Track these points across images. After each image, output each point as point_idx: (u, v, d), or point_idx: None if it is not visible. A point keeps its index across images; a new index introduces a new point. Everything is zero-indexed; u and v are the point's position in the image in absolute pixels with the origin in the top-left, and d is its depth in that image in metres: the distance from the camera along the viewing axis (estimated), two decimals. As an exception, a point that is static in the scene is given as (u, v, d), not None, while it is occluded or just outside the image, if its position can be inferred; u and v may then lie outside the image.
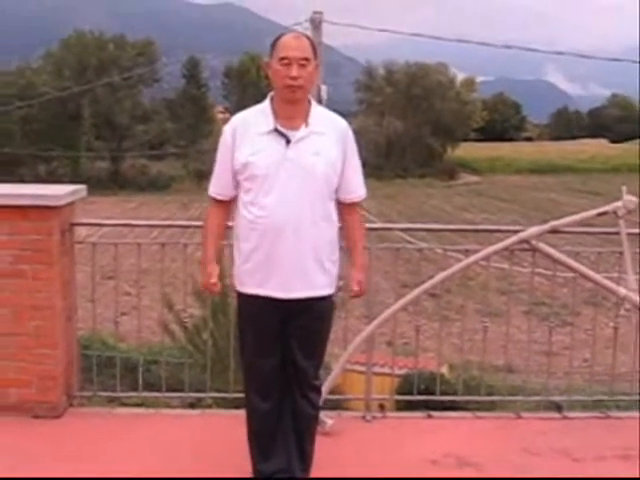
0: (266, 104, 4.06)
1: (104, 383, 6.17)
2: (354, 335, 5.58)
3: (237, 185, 4.07)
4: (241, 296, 4.14)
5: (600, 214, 5.54)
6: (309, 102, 4.05)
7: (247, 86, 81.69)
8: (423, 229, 7.65)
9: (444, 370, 12.79)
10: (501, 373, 8.98)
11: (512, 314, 6.70)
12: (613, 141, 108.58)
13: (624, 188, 5.57)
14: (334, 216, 4.12)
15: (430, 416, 5.69)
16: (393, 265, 6.01)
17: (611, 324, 5.72)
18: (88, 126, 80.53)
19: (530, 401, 6.07)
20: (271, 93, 4.07)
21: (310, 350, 4.15)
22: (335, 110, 4.33)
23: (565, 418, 5.70)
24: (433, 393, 6.39)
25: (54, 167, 76.43)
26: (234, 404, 5.45)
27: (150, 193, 68.45)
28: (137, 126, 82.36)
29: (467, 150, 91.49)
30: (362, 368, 5.85)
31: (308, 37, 4.24)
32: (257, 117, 4.05)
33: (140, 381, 6.08)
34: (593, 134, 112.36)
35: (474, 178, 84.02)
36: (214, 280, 4.16)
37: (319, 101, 4.16)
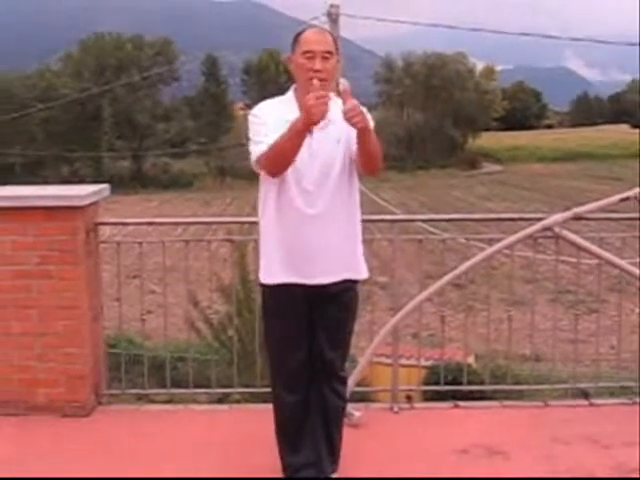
0: (290, 95, 4.08)
1: (132, 381, 6.20)
2: (380, 327, 5.59)
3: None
4: (269, 288, 4.14)
5: (622, 200, 5.52)
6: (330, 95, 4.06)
7: (266, 82, 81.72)
8: (446, 219, 7.65)
9: (470, 360, 12.76)
10: (528, 362, 8.96)
11: (537, 302, 6.69)
12: (634, 126, 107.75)
13: (646, 173, 5.54)
14: (357, 204, 4.13)
15: (457, 406, 5.70)
16: (417, 256, 6.00)
17: (637, 310, 5.71)
18: (109, 126, 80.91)
19: (557, 389, 6.07)
20: (294, 86, 4.08)
21: (337, 341, 4.17)
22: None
23: (592, 405, 5.68)
24: (460, 383, 6.39)
25: (77, 167, 76.79)
26: (262, 399, 5.46)
27: (172, 191, 68.64)
28: (158, 125, 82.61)
29: (488, 140, 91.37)
30: (388, 360, 5.85)
31: (330, 32, 4.27)
32: (281, 107, 4.06)
33: (168, 378, 6.11)
34: (614, 120, 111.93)
35: (496, 167, 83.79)
36: (312, 102, 3.71)
37: (337, 93, 4.11)
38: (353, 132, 3.98)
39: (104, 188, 5.74)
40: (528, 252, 6.07)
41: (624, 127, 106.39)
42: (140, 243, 6.02)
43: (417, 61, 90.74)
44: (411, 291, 5.64)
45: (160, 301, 6.25)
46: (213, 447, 4.93)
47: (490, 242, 5.60)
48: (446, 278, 5.58)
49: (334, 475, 4.21)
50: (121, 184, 58.14)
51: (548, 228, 5.49)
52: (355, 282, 4.18)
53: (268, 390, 4.43)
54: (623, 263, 5.49)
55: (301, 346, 4.13)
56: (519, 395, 6.58)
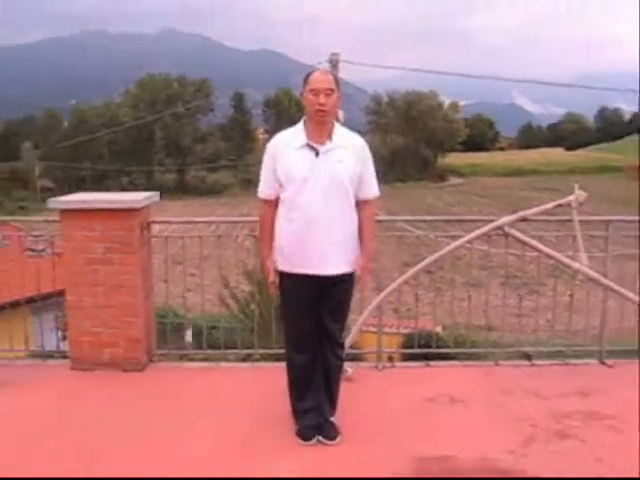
0: (300, 125, 4.06)
1: (176, 343, 6.20)
2: (368, 304, 5.60)
3: (279, 186, 4.06)
4: (283, 274, 4.13)
5: (558, 206, 5.51)
6: (333, 123, 4.06)
7: (281, 113, 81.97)
8: (420, 220, 7.63)
9: (438, 329, 12.77)
10: (483, 331, 8.94)
11: (490, 285, 6.68)
12: (567, 149, 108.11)
13: (576, 185, 5.54)
14: (354, 210, 4.09)
15: (428, 365, 5.69)
16: (397, 249, 6.00)
17: (568, 292, 5.69)
18: (159, 147, 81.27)
19: (505, 352, 6.06)
20: (304, 117, 4.08)
21: (336, 316, 4.15)
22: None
23: (533, 365, 5.67)
24: (430, 347, 6.40)
25: (133, 179, 77.13)
26: (276, 358, 5.47)
27: (208, 197, 68.73)
28: (197, 146, 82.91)
29: (454, 159, 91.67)
30: (374, 329, 5.85)
31: (332, 73, 4.26)
32: (293, 135, 4.04)
33: (204, 342, 6.12)
34: (552, 144, 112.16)
35: (459, 180, 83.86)
36: (272, 279, 4.15)
37: (339, 122, 4.14)
38: (355, 159, 3.99)
39: (154, 195, 5.74)
40: (484, 246, 6.06)
41: (559, 150, 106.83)
42: (182, 237, 6.03)
43: (399, 97, 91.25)
44: (392, 275, 5.63)
45: (198, 282, 6.24)
46: (239, 394, 4.94)
47: (454, 238, 5.59)
48: (420, 265, 5.58)
49: (332, 418, 4.23)
50: (168, 192, 58.21)
51: (499, 227, 5.48)
52: (353, 272, 4.17)
53: (282, 351, 4.43)
54: (558, 255, 5.49)
55: (309, 318, 4.11)
56: (476, 357, 6.57)
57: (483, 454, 3.96)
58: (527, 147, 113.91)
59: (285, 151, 3.99)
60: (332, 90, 3.94)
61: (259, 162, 4.17)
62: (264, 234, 4.16)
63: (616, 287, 5.52)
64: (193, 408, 4.70)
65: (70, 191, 7.33)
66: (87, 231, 5.29)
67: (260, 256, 4.31)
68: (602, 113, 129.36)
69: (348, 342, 5.25)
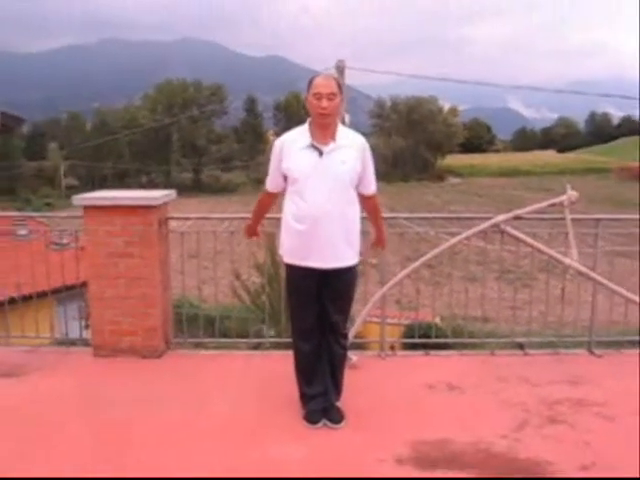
0: (305, 127, 4.05)
1: (191, 332, 6.21)
2: (371, 296, 5.59)
3: (285, 181, 4.08)
4: (289, 267, 4.14)
5: (551, 205, 5.50)
6: (336, 125, 4.05)
7: (291, 116, 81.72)
8: (421, 217, 7.61)
9: (437, 320, 12.74)
10: (479, 322, 8.93)
11: (486, 279, 6.66)
12: (559, 151, 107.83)
13: (568, 186, 5.53)
14: (356, 204, 4.09)
15: (427, 354, 5.70)
16: (399, 244, 5.99)
17: (559, 285, 5.68)
18: (176, 147, 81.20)
19: (500, 342, 6.05)
20: (309, 119, 4.07)
21: (340, 308, 4.15)
22: (355, 133, 4.32)
23: (526, 354, 5.67)
24: (430, 337, 6.39)
25: (152, 177, 77.18)
26: (285, 346, 5.47)
27: (222, 195, 68.63)
28: (212, 147, 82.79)
29: (452, 160, 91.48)
30: (377, 320, 5.85)
31: (335, 77, 4.24)
32: (298, 135, 4.04)
33: (217, 331, 6.13)
34: (545, 147, 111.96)
35: (457, 180, 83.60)
36: (250, 233, 4.56)
37: (344, 124, 4.14)
38: (357, 158, 3.98)
39: (172, 192, 5.75)
40: (481, 242, 6.05)
41: (552, 152, 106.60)
42: (198, 232, 6.03)
43: (401, 102, 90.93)
44: (395, 270, 5.63)
45: (212, 275, 6.24)
46: (250, 380, 4.95)
47: (453, 235, 5.59)
48: (420, 260, 5.58)
49: (338, 403, 4.23)
50: (184, 190, 58.12)
51: (495, 225, 5.47)
52: (355, 265, 4.17)
53: (290, 340, 4.43)
54: (550, 251, 5.47)
55: (313, 309, 4.12)
56: (472, 346, 6.56)
57: (479, 438, 3.96)
58: (521, 149, 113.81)
59: (291, 150, 4.00)
60: (334, 94, 3.93)
61: (269, 161, 4.17)
62: (257, 214, 4.48)
63: (605, 281, 5.51)
64: (207, 391, 4.71)
65: (93, 189, 7.33)
66: (109, 226, 5.30)
67: (248, 223, 4.56)
68: (592, 117, 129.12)
69: (352, 332, 5.26)
